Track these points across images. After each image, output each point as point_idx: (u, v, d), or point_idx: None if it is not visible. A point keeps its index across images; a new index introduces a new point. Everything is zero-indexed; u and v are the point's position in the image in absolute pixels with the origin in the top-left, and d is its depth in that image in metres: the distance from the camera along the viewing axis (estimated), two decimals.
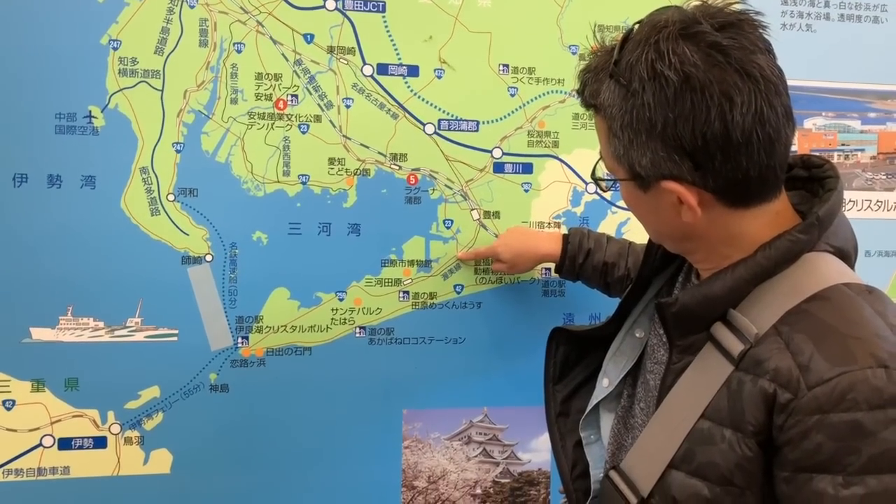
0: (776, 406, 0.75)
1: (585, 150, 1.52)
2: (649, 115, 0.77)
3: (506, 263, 1.43)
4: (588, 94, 0.84)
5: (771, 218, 0.83)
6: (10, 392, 1.34)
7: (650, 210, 0.86)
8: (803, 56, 1.59)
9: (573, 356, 1.11)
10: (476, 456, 1.52)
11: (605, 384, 1.03)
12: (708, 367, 0.82)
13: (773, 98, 0.77)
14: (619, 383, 1.02)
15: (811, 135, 1.61)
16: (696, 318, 0.84)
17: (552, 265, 1.43)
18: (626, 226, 1.54)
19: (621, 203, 1.53)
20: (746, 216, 0.82)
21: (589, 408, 1.04)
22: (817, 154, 0.92)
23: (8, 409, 1.34)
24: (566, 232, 1.41)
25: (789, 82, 0.81)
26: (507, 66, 1.48)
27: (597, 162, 0.91)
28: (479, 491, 1.52)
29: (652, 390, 0.93)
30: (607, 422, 1.03)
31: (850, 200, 1.63)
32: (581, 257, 1.37)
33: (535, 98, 1.50)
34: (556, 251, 1.39)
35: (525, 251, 1.41)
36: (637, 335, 1.01)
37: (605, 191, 0.93)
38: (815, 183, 0.88)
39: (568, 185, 1.52)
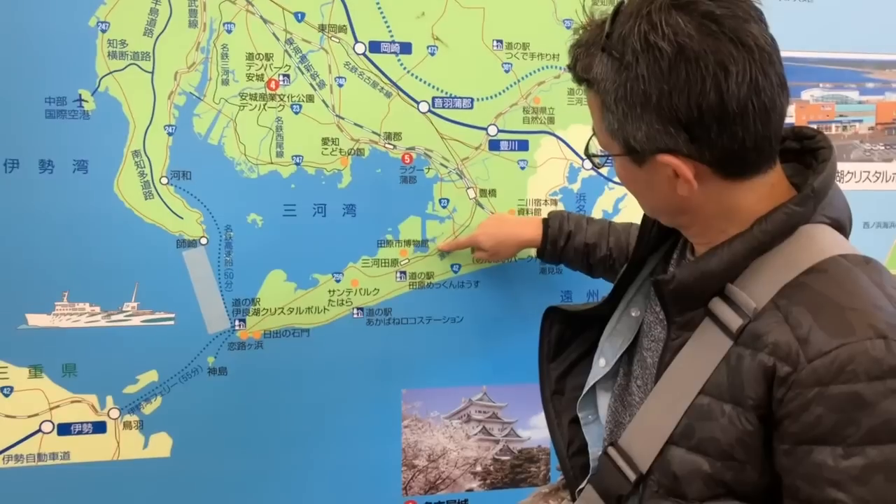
0: (776, 379, 0.75)
1: (582, 125, 1.51)
2: (643, 87, 0.76)
3: (487, 252, 1.43)
4: (580, 68, 0.83)
5: (766, 190, 0.82)
6: (7, 379, 1.34)
7: (645, 185, 0.85)
8: (801, 26, 1.57)
9: (567, 334, 1.11)
10: (476, 434, 1.52)
11: (601, 364, 1.02)
12: (706, 343, 0.82)
13: (767, 67, 0.77)
14: (615, 362, 1.01)
15: (809, 106, 1.59)
16: (693, 295, 0.84)
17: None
18: (623, 202, 1.53)
19: (618, 179, 1.53)
20: (742, 188, 0.82)
21: (586, 388, 1.04)
22: (808, 125, 0.91)
23: (6, 395, 1.34)
24: (546, 216, 1.41)
25: (786, 53, 0.80)
26: (500, 41, 1.47)
27: (590, 138, 0.90)
28: (479, 469, 1.52)
29: (650, 368, 0.93)
30: (604, 401, 1.03)
31: (847, 172, 1.62)
32: (562, 240, 1.36)
33: (530, 74, 1.48)
34: (537, 236, 1.38)
35: (506, 238, 1.41)
36: (633, 314, 1.01)
37: (598, 167, 0.92)
38: (807, 155, 0.88)
39: (564, 161, 1.51)
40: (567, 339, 1.11)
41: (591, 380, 1.03)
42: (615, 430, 0.99)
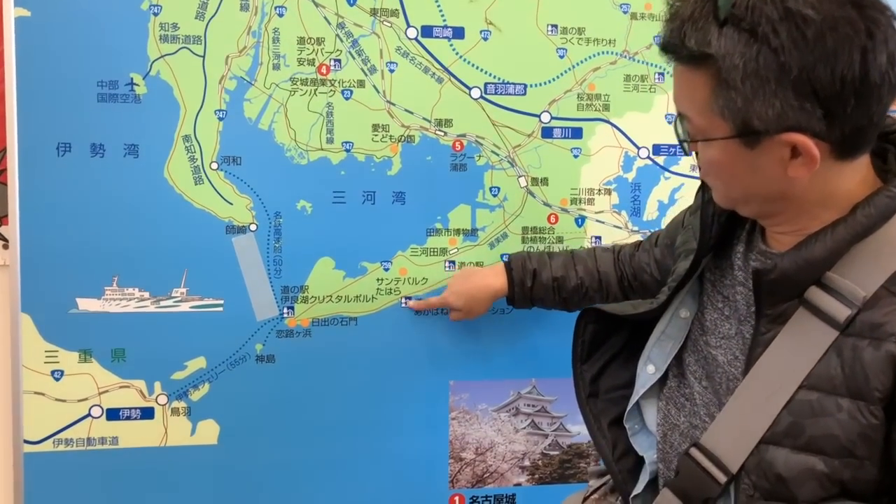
0: None
1: (637, 113, 1.47)
2: (782, 60, 0.71)
3: (461, 311, 1.38)
4: (695, 43, 0.75)
5: (863, 173, 0.79)
6: (58, 363, 1.34)
7: (748, 169, 0.79)
8: None
9: (600, 335, 1.06)
10: (524, 428, 1.49)
11: (650, 371, 0.98)
12: (804, 335, 0.78)
13: None
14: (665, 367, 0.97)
15: None
16: (792, 285, 0.80)
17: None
18: (679, 191, 1.49)
19: (675, 168, 1.49)
20: (846, 170, 0.77)
21: (636, 398, 0.99)
22: None
23: (57, 379, 1.34)
24: (506, 260, 1.36)
25: None
26: (555, 26, 1.43)
27: (676, 121, 0.83)
28: (527, 463, 1.49)
29: (723, 366, 0.88)
30: (650, 408, 0.99)
31: None
32: (528, 280, 1.31)
33: (585, 59, 1.44)
34: (504, 283, 1.33)
35: (475, 293, 1.36)
36: (682, 315, 0.96)
37: (687, 154, 0.86)
38: (879, 139, 0.83)
39: (619, 150, 1.47)
40: (599, 339, 1.06)
41: (641, 388, 0.98)
42: (669, 433, 0.95)
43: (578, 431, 1.50)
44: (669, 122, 1.48)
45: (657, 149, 1.48)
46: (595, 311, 1.05)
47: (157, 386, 1.37)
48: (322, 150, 1.38)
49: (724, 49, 0.73)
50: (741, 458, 0.80)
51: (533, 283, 1.31)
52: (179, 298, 1.36)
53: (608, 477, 1.07)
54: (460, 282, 1.39)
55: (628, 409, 1.00)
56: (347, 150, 1.39)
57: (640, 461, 1.00)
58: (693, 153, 0.85)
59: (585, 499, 1.08)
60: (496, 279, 1.34)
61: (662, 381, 0.98)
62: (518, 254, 1.36)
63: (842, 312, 0.76)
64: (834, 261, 0.78)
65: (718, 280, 0.92)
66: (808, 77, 0.71)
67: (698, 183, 1.47)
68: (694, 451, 0.86)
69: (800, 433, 0.77)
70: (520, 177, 1.45)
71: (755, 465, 0.80)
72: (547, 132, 1.45)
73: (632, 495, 0.99)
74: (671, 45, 0.78)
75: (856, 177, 0.78)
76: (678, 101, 0.82)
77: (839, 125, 0.73)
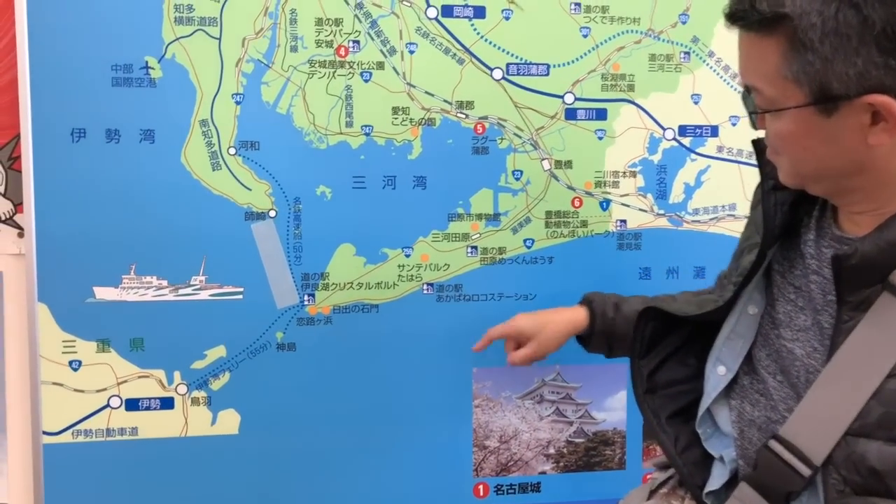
0: None
1: (663, 93, 1.43)
2: (865, 14, 0.68)
3: (531, 339, 1.25)
4: (767, 5, 0.72)
5: None
6: (76, 353, 1.32)
7: (824, 139, 0.75)
8: None
9: (659, 331, 1.03)
10: (549, 415, 1.47)
11: (721, 372, 0.94)
12: (890, 321, 0.75)
13: None
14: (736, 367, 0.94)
15: None
16: (875, 269, 0.76)
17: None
18: (705, 174, 1.46)
19: (701, 150, 1.46)
20: None
21: (710, 401, 0.95)
22: None
23: (75, 369, 1.32)
24: (581, 299, 1.28)
25: None
26: (578, 4, 1.40)
27: (743, 95, 0.80)
28: (552, 451, 1.47)
29: (801, 358, 0.84)
30: (720, 409, 0.95)
31: None
32: (611, 311, 1.22)
33: (609, 39, 1.41)
34: (582, 314, 1.23)
35: (550, 319, 1.24)
36: (751, 312, 0.92)
37: (756, 128, 0.83)
38: None
39: (645, 131, 1.44)
40: (658, 336, 1.02)
41: (713, 391, 0.94)
42: (746, 429, 0.91)
43: (604, 419, 1.48)
44: (696, 103, 1.44)
45: (683, 130, 1.45)
46: (655, 310, 1.01)
47: (177, 375, 1.35)
48: (341, 134, 1.35)
49: (800, 7, 0.70)
50: (825, 450, 0.77)
51: (616, 315, 1.22)
52: (198, 286, 1.33)
53: (672, 469, 1.04)
54: (532, 312, 1.28)
55: (699, 415, 0.96)
56: (367, 134, 1.36)
57: (708, 453, 0.96)
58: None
59: (653, 492, 1.04)
60: (574, 312, 1.24)
61: (731, 380, 0.94)
62: (592, 292, 1.27)
63: None
64: None
65: (788, 271, 0.89)
66: (894, 31, 0.68)
67: (725, 165, 1.47)
68: (773, 444, 0.82)
69: (894, 424, 0.74)
70: (543, 160, 1.42)
71: (844, 459, 0.76)
72: (570, 114, 1.41)
73: (705, 492, 0.95)
74: (740, 12, 0.74)
75: None
76: (744, 73, 0.78)
77: None
